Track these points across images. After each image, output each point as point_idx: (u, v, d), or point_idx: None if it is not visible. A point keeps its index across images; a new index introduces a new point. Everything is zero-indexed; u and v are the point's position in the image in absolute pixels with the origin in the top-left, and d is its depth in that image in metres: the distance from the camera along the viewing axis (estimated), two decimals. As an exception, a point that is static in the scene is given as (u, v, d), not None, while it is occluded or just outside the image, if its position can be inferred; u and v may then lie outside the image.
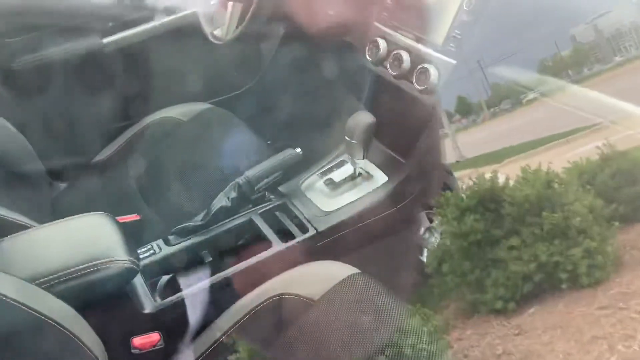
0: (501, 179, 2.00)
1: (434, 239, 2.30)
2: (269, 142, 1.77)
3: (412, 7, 1.26)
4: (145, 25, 1.73)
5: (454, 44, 1.18)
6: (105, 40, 1.70)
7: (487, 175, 2.01)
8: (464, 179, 2.06)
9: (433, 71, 1.21)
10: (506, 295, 1.53)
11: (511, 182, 1.97)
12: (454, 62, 1.20)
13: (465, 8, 1.13)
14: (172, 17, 1.76)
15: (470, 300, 1.62)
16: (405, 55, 1.27)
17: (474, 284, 1.62)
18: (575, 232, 1.62)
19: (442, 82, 1.21)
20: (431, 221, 2.30)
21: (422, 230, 2.39)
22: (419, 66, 1.25)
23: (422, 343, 1.27)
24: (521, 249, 1.65)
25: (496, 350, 1.34)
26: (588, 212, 1.70)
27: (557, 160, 2.49)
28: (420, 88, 1.26)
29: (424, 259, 2.13)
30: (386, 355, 1.00)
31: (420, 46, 1.25)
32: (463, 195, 1.90)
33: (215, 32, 1.48)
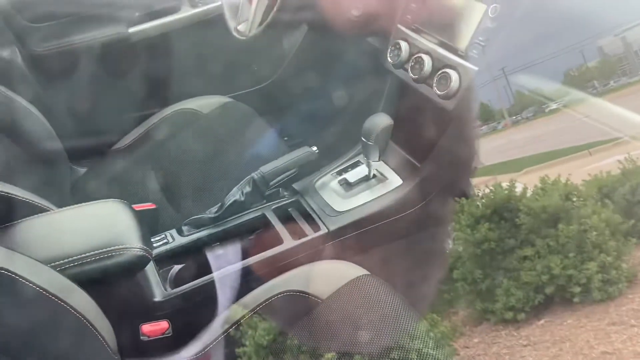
0: (518, 188, 1.98)
1: (447, 245, 2.29)
2: (285, 138, 1.77)
3: (436, 11, 1.25)
4: (170, 16, 1.75)
5: (477, 50, 1.17)
6: (131, 29, 1.72)
7: (504, 184, 1.99)
8: (481, 186, 2.05)
9: (454, 76, 1.20)
10: (517, 306, 1.52)
11: (529, 192, 1.95)
12: (476, 68, 1.19)
13: (490, 15, 1.12)
14: (197, 9, 1.78)
15: (480, 308, 1.61)
16: (427, 59, 1.26)
17: (484, 292, 1.61)
18: (590, 246, 1.60)
19: (463, 88, 1.20)
20: (445, 226, 2.29)
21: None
22: (440, 71, 1.24)
23: (428, 348, 1.26)
24: (535, 260, 1.64)
25: (503, 360, 1.32)
26: (605, 227, 1.68)
27: (577, 173, 2.46)
28: (440, 93, 1.26)
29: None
30: (391, 358, 1.00)
31: (442, 51, 1.24)
32: (478, 202, 1.89)
33: (239, 27, 1.48)
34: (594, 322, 1.40)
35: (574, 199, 1.86)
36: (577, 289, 1.49)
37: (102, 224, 0.94)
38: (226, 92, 1.76)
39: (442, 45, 1.24)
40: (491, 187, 1.98)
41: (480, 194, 1.96)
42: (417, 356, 1.06)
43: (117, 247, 0.85)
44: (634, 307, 1.44)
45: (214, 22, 1.71)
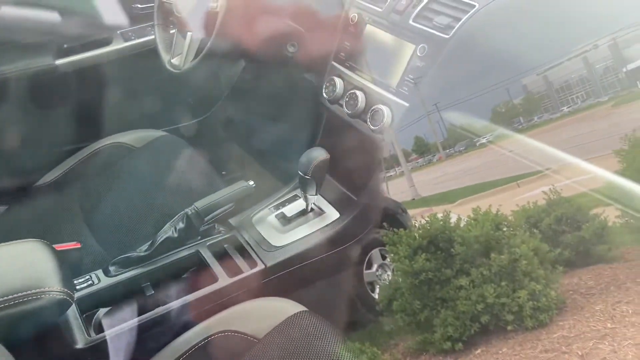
0: (453, 219, 2.05)
1: (387, 276, 2.31)
2: (224, 172, 1.74)
3: (368, 50, 1.29)
4: (102, 49, 1.71)
5: (407, 87, 1.22)
6: (59, 61, 1.66)
7: (440, 215, 2.05)
8: (418, 217, 2.10)
9: (387, 112, 1.24)
10: (454, 335, 1.54)
11: (462, 223, 2.02)
12: (406, 104, 1.24)
13: (418, 54, 1.17)
14: (130, 42, 1.74)
15: (420, 339, 1.62)
16: (360, 95, 1.30)
17: (423, 323, 1.63)
18: (521, 275, 1.66)
19: (394, 124, 1.24)
20: (384, 258, 2.32)
21: (375, 267, 2.40)
22: (373, 107, 1.27)
23: (368, 383, 1.25)
24: (470, 289, 1.68)
25: (442, 392, 1.33)
26: (533, 255, 1.75)
27: (507, 203, 2.58)
28: (373, 128, 1.29)
29: (376, 295, 2.13)
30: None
31: (375, 87, 1.28)
32: (415, 233, 1.93)
33: (172, 60, 1.46)
34: (527, 350, 1.43)
35: (504, 229, 1.95)
36: (510, 317, 1.54)
37: (18, 265, 0.87)
38: (161, 126, 1.72)
39: (375, 82, 1.28)
40: (427, 218, 2.03)
41: (417, 225, 2.01)
42: None
43: (35, 290, 0.79)
44: (564, 333, 1.49)
45: (147, 55, 1.68)
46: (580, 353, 1.34)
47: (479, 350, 1.50)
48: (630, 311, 1.56)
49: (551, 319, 1.59)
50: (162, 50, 1.48)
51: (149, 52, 1.64)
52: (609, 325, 1.49)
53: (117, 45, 1.73)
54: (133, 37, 1.74)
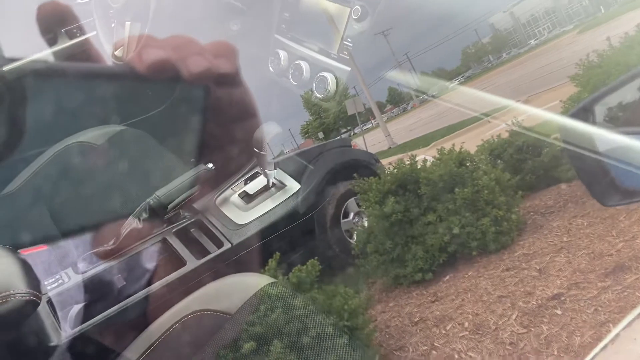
0: (422, 161, 2.14)
1: (364, 222, 2.41)
2: (192, 159, 1.78)
3: (307, 18, 1.33)
4: (48, 49, 1.70)
5: (347, 51, 1.26)
6: (5, 68, 1.66)
7: (407, 160, 2.13)
8: (392, 165, 2.18)
9: (331, 78, 1.28)
10: (424, 267, 1.65)
11: (429, 164, 2.11)
12: (348, 69, 1.28)
13: (354, 17, 1.21)
14: (74, 40, 1.74)
15: (393, 275, 1.73)
16: (304, 65, 1.33)
17: (395, 260, 1.73)
18: (483, 204, 1.76)
19: (340, 89, 1.29)
20: (359, 206, 2.41)
21: (351, 215, 2.50)
22: (318, 75, 1.32)
23: (344, 320, 1.36)
24: (437, 224, 1.78)
25: (414, 318, 1.44)
26: (495, 185, 1.85)
27: (475, 140, 2.67)
28: (320, 96, 1.34)
29: (353, 241, 2.23)
30: (309, 336, 1.07)
31: (317, 55, 1.33)
32: (384, 179, 2.02)
33: (116, 53, 1.47)
34: (491, 271, 1.54)
35: (468, 164, 2.04)
36: (475, 243, 1.65)
37: None
38: (120, 121, 1.73)
39: (317, 50, 1.33)
40: (394, 164, 2.12)
41: (387, 172, 2.10)
42: (334, 329, 1.13)
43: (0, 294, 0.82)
44: (524, 251, 1.60)
45: (92, 52, 1.68)
46: (538, 267, 1.45)
47: (447, 277, 1.62)
48: (586, 224, 1.68)
49: (512, 240, 1.70)
50: (104, 43, 1.49)
51: (94, 48, 1.65)
52: (565, 239, 1.60)
53: (64, 44, 1.72)
54: (78, 34, 1.74)
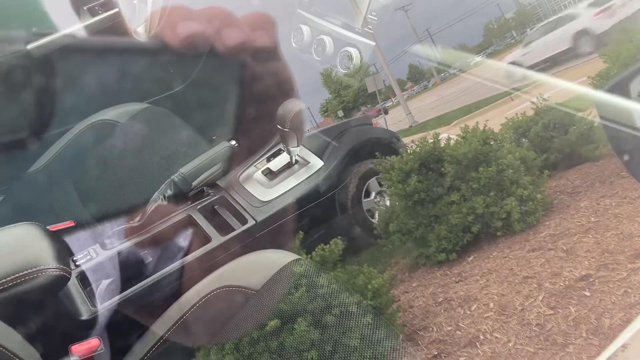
0: (446, 140, 2.10)
1: (386, 202, 2.39)
2: (214, 137, 1.76)
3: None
4: (70, 27, 1.69)
5: (372, 25, 1.22)
6: (30, 46, 1.66)
7: (430, 139, 2.10)
8: (414, 143, 2.16)
9: (355, 53, 1.25)
10: (448, 247, 1.63)
11: (452, 142, 2.07)
12: (373, 43, 1.24)
13: (379, -9, 1.17)
14: (97, 17, 1.72)
15: (416, 255, 1.72)
16: (328, 40, 1.30)
17: (418, 240, 1.72)
18: (508, 183, 1.73)
19: (364, 63, 1.25)
20: (381, 185, 2.40)
21: (373, 194, 2.49)
22: (342, 50, 1.28)
23: (367, 299, 1.36)
24: (460, 204, 1.76)
25: (438, 298, 1.43)
26: (520, 164, 1.81)
27: (499, 118, 2.61)
28: (343, 71, 1.30)
29: (375, 221, 2.23)
30: (333, 314, 1.07)
31: (341, 30, 1.29)
32: (407, 158, 2.00)
33: (138, 29, 1.45)
34: (516, 251, 1.52)
35: (492, 143, 2.00)
36: (499, 224, 1.62)
37: (13, 248, 0.89)
38: (144, 99, 1.72)
39: (342, 25, 1.29)
40: (417, 143, 2.09)
41: (410, 151, 2.07)
42: (357, 307, 1.12)
43: (31, 269, 0.82)
44: (550, 232, 1.57)
45: (116, 29, 1.67)
46: (565, 248, 1.42)
47: (471, 257, 1.60)
48: (614, 204, 1.64)
49: (538, 220, 1.67)
50: (127, 20, 1.48)
51: (119, 25, 1.64)
52: (592, 219, 1.56)
53: (86, 21, 1.71)
54: (100, 11, 1.72)
